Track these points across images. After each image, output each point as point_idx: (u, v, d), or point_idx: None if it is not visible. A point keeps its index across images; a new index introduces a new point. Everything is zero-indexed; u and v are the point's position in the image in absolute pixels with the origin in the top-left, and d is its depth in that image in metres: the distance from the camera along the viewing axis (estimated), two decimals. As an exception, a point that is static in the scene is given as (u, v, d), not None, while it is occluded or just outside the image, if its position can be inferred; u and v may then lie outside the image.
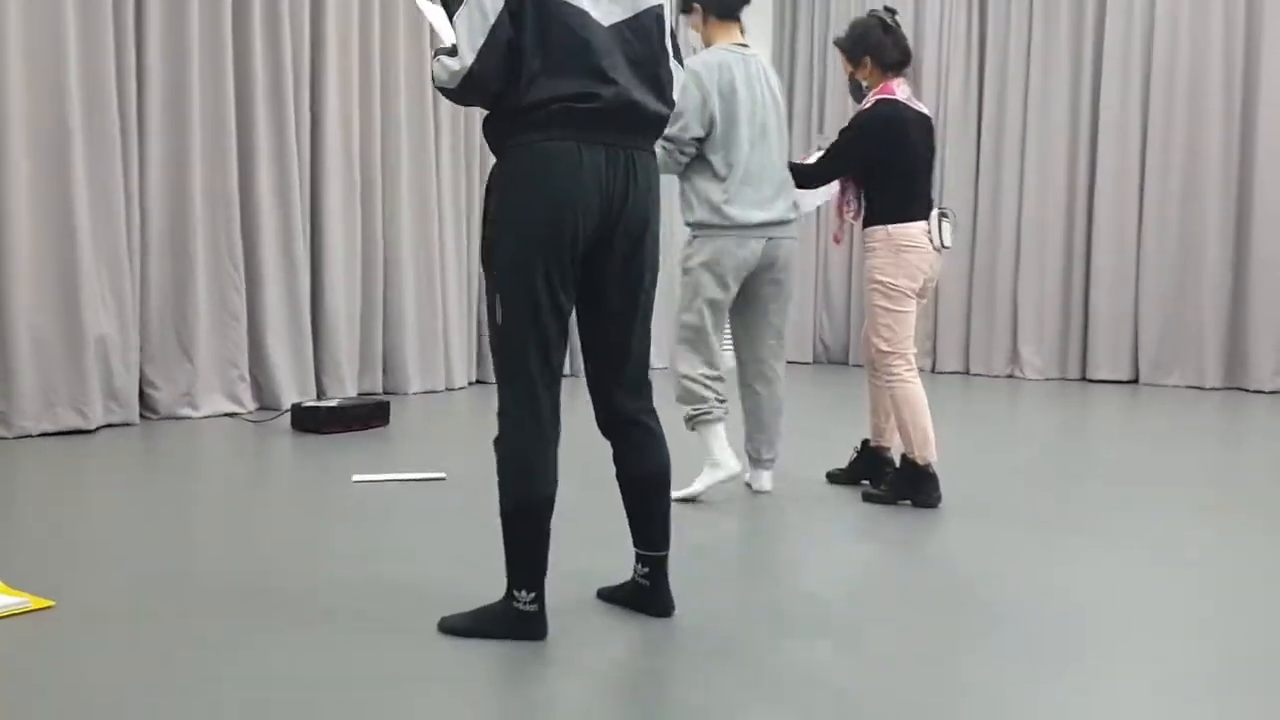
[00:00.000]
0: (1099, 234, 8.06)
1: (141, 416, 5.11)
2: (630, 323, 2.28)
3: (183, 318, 5.25)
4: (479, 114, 6.70)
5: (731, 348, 3.99)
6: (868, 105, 3.74)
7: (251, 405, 5.53)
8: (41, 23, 4.58)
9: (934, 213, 3.73)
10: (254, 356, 5.59)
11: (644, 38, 2.23)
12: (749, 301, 3.82)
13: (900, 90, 3.75)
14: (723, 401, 3.75)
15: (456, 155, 6.78)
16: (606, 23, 2.18)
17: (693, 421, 3.73)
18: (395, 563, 2.82)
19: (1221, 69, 7.61)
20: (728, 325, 3.86)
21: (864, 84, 3.84)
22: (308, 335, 5.80)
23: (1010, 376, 8.42)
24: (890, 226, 3.68)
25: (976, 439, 5.19)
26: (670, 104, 2.29)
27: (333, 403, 5.09)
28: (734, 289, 3.73)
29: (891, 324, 3.69)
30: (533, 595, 2.20)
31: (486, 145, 2.22)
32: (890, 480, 3.77)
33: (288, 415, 5.28)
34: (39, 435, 4.59)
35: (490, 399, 6.19)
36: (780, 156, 3.79)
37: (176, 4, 5.14)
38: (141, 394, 5.13)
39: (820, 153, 3.91)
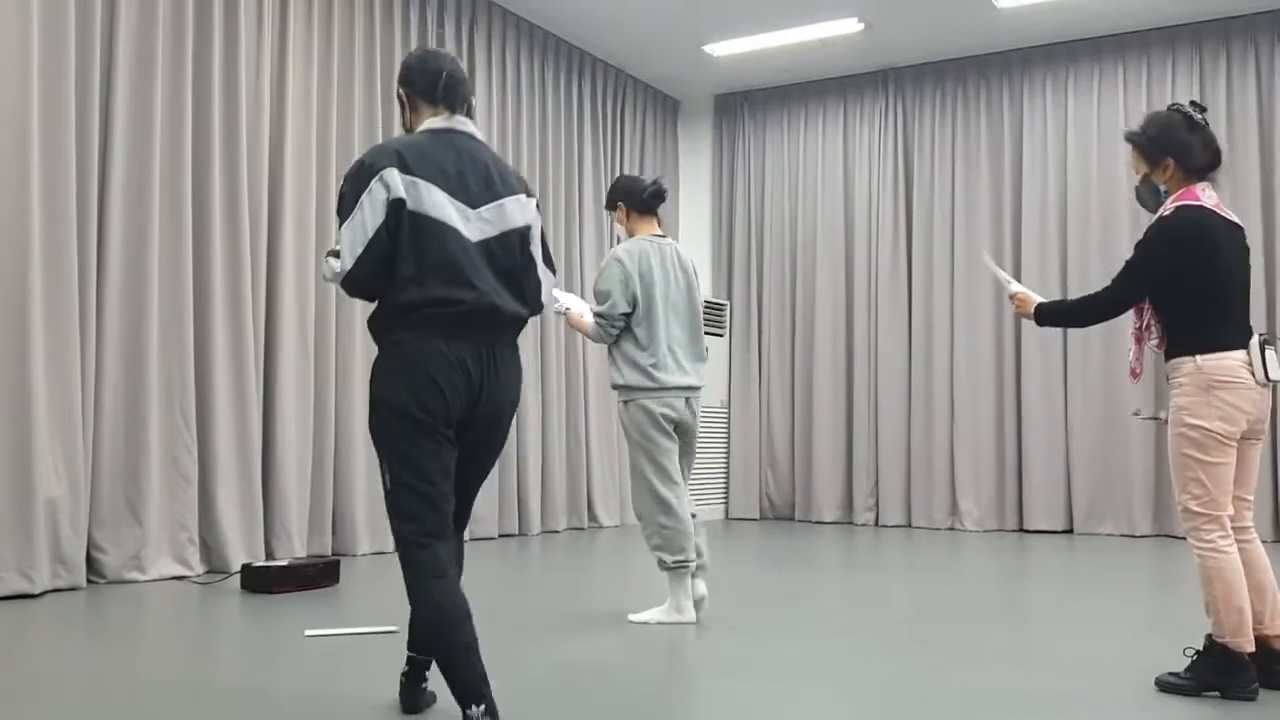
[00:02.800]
0: (1028, 391, 8.40)
1: (88, 581, 5.07)
2: (475, 483, 2.68)
3: (134, 479, 5.27)
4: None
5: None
6: (1168, 211, 3.19)
7: (200, 568, 5.50)
8: (5, 200, 4.78)
9: (1254, 339, 3.12)
10: (204, 518, 5.59)
11: (509, 251, 2.63)
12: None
13: (1205, 196, 3.19)
14: (686, 555, 4.11)
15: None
16: (475, 239, 2.57)
17: (660, 565, 4.15)
18: (351, 715, 2.84)
19: (1130, 239, 8.15)
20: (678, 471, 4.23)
21: (1162, 188, 3.26)
22: (258, 496, 5.82)
23: (950, 529, 8.60)
24: (1200, 358, 3.09)
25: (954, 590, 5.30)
26: (533, 307, 2.67)
27: (283, 562, 5.10)
28: (674, 436, 4.21)
29: (1203, 478, 3.06)
30: (483, 708, 2.32)
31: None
32: (1193, 666, 3.11)
33: (237, 576, 5.26)
34: (-17, 600, 4.55)
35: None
36: (693, 331, 4.30)
37: (137, 176, 5.36)
38: (89, 558, 5.11)
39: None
